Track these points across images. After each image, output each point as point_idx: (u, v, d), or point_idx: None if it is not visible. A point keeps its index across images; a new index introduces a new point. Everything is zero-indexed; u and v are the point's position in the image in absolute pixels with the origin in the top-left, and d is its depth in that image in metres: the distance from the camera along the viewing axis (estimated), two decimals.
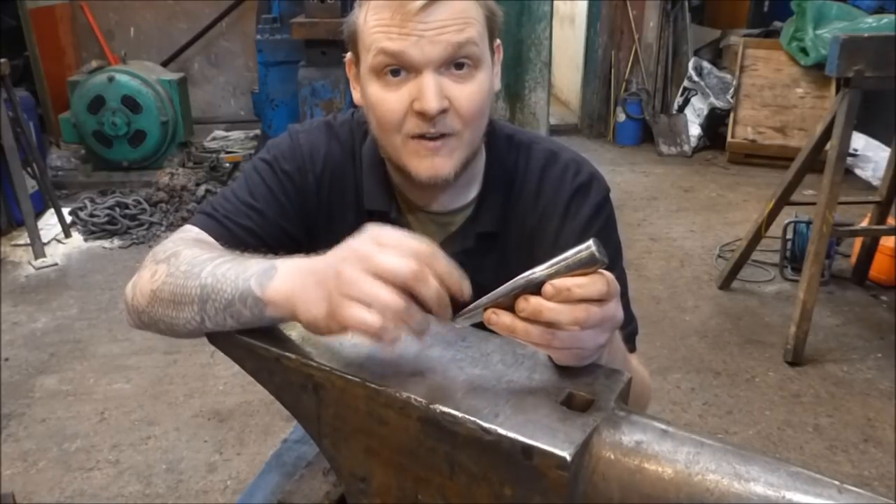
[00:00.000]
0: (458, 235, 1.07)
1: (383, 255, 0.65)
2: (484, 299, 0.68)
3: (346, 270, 0.66)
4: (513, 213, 1.07)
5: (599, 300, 0.65)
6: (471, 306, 0.69)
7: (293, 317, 0.72)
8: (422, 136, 0.92)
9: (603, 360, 0.75)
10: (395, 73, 0.90)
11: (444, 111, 0.90)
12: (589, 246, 0.63)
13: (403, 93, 0.91)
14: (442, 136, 0.92)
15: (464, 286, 0.67)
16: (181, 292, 0.81)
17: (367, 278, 0.65)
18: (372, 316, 0.64)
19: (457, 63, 0.90)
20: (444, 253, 0.68)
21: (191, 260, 0.84)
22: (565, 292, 0.63)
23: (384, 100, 0.92)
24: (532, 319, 0.65)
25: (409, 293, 0.65)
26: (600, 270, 0.65)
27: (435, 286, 0.65)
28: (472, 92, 0.92)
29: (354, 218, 1.08)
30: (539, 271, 0.65)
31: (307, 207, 1.07)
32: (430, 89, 0.88)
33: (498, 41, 0.99)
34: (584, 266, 0.64)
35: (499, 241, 1.07)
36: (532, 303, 0.64)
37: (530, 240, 1.07)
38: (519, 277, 0.66)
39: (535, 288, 0.65)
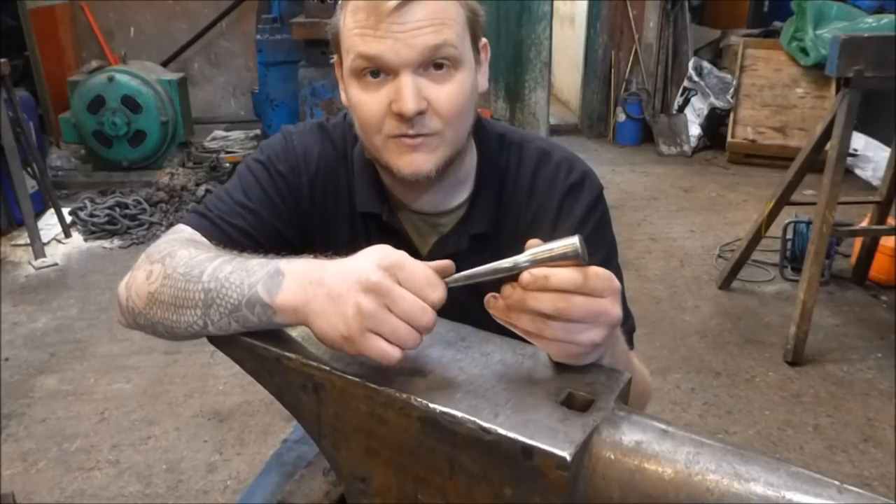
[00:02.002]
0: (450, 237, 1.06)
1: (405, 298, 0.68)
2: (467, 273, 0.71)
3: (367, 305, 0.68)
4: (506, 214, 1.07)
5: (584, 293, 0.67)
6: (459, 275, 0.72)
7: (303, 325, 0.74)
8: (401, 136, 0.92)
9: (605, 361, 0.75)
10: (374, 74, 0.90)
11: (422, 112, 0.90)
12: (574, 242, 0.66)
13: (382, 94, 0.91)
14: (422, 135, 0.92)
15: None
16: (182, 296, 0.81)
17: (389, 316, 0.68)
18: (392, 349, 0.68)
19: (435, 63, 0.90)
20: (439, 256, 0.73)
21: (188, 261, 0.83)
22: (542, 280, 0.66)
23: (364, 101, 0.92)
24: (517, 308, 0.68)
25: None
26: (590, 267, 0.67)
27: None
28: (452, 92, 0.91)
29: (348, 220, 1.08)
30: (523, 260, 0.68)
31: (301, 208, 1.06)
32: (408, 90, 0.88)
33: (485, 40, 0.99)
34: (565, 260, 0.66)
35: (492, 242, 1.06)
36: (518, 291, 0.68)
37: (524, 240, 1.06)
38: (504, 261, 0.69)
39: (518, 275, 0.68)
